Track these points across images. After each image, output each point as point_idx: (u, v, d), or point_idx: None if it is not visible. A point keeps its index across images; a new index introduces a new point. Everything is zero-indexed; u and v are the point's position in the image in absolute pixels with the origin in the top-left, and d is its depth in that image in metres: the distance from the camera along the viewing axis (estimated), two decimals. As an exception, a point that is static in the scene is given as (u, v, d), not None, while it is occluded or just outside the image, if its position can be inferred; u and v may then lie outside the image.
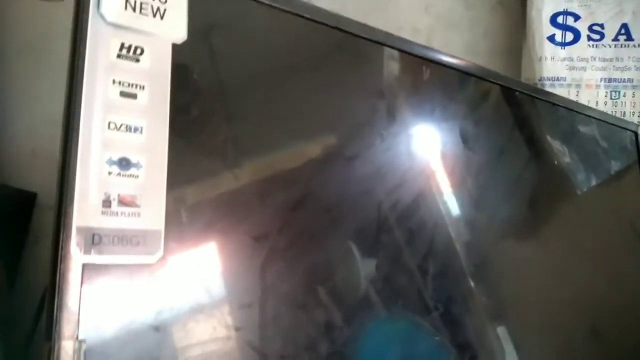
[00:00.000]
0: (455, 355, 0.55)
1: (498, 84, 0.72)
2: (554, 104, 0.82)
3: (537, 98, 0.79)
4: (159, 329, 0.36)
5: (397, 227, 0.53)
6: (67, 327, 0.32)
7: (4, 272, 1.09)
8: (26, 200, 1.13)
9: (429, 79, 0.63)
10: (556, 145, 0.83)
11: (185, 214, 0.38)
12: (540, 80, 1.04)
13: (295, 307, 0.44)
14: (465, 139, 0.64)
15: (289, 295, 0.43)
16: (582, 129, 0.88)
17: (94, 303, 0.34)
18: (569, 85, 1.04)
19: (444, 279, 0.57)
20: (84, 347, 0.33)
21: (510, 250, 0.70)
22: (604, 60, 1.04)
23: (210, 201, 0.41)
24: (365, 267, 0.49)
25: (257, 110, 0.46)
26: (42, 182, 1.09)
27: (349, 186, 0.50)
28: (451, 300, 0.56)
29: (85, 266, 0.34)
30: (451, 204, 0.61)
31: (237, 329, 0.39)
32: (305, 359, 0.43)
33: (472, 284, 0.60)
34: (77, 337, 0.32)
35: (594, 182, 0.87)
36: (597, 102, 1.03)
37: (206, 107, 0.42)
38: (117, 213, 0.35)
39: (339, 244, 0.48)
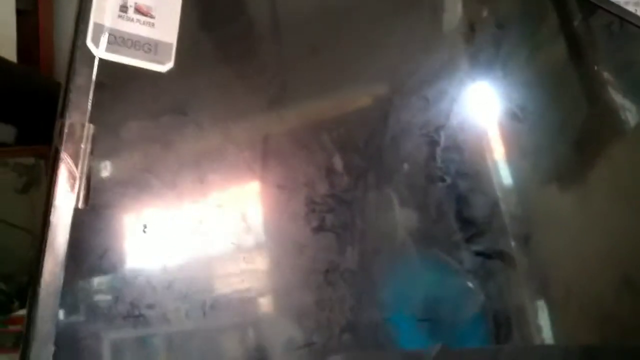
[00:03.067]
0: (487, 303, 0.55)
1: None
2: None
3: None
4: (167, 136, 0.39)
5: (440, 177, 0.53)
6: (76, 112, 0.35)
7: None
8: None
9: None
10: (608, 77, 0.79)
11: (198, 32, 0.40)
12: None
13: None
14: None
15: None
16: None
17: (104, 99, 0.36)
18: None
19: (483, 227, 0.57)
20: (92, 130, 0.35)
21: (552, 198, 0.68)
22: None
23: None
24: (405, 218, 0.50)
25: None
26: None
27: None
28: (487, 248, 0.56)
29: (100, 62, 0.36)
30: (496, 150, 0.59)
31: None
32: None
33: (510, 233, 0.59)
34: (87, 121, 0.35)
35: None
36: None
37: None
38: (132, 19, 0.38)
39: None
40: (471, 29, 0.61)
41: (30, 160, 1.17)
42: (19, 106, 1.18)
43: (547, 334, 0.62)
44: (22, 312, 0.62)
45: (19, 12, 1.17)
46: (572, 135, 0.72)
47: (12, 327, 0.55)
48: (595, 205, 0.73)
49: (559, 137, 0.70)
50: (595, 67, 0.77)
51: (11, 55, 1.15)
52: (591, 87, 0.77)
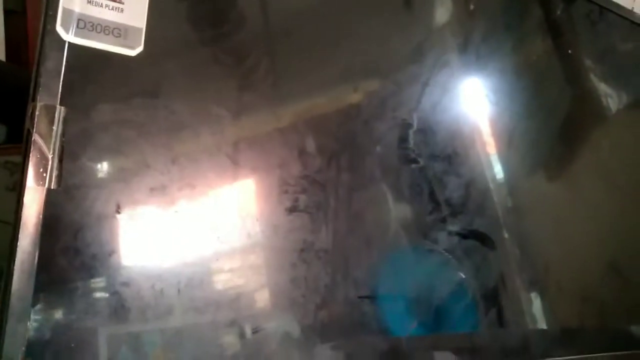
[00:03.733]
0: (463, 283, 0.56)
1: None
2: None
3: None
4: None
5: (413, 159, 0.54)
6: (47, 95, 0.36)
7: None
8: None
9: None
10: (589, 64, 0.81)
11: (166, 17, 0.41)
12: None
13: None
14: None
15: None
16: (624, 44, 0.84)
17: (75, 82, 0.37)
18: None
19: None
20: (63, 113, 0.36)
21: (527, 179, 0.70)
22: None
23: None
24: (379, 199, 0.51)
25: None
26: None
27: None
28: (462, 228, 0.57)
29: (70, 46, 0.37)
30: (469, 132, 0.61)
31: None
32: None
33: (485, 214, 0.60)
34: (58, 103, 0.36)
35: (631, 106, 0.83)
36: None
37: None
38: (102, 5, 0.39)
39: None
40: (445, 13, 0.63)
41: (21, 159, 1.17)
42: (9, 105, 1.18)
43: (526, 316, 0.64)
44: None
45: (7, 13, 1.17)
46: (549, 118, 0.74)
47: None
48: (573, 187, 0.74)
49: (534, 119, 0.71)
50: (574, 54, 0.78)
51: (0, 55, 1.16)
52: (571, 73, 0.78)
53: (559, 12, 0.77)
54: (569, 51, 0.77)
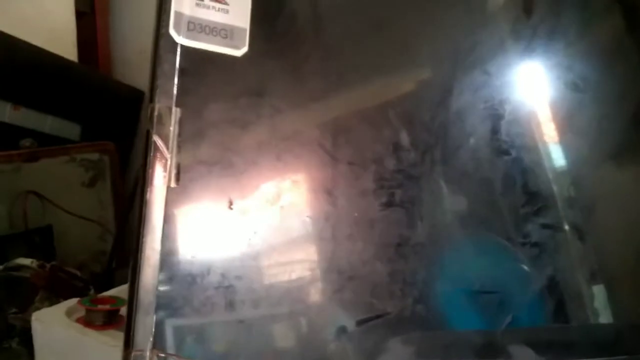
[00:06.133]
0: (556, 276, 0.55)
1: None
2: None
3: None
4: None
5: (505, 150, 0.53)
6: (164, 97, 0.38)
7: (118, 153, 1.22)
8: (135, 97, 1.25)
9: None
10: None
11: (268, 16, 0.42)
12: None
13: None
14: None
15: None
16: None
17: (187, 83, 0.39)
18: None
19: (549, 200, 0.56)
20: (178, 114, 0.38)
21: (617, 171, 0.67)
22: None
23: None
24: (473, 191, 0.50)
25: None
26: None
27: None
28: (554, 220, 0.56)
29: (182, 48, 0.38)
30: (560, 121, 0.59)
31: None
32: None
33: (576, 206, 0.58)
34: (174, 105, 0.38)
35: None
36: None
37: None
38: (209, 7, 0.40)
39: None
40: (529, 1, 0.61)
41: (95, 156, 1.23)
42: (82, 104, 1.24)
43: (619, 309, 0.62)
44: (108, 293, 0.66)
45: (78, 15, 1.23)
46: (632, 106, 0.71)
47: (100, 307, 0.59)
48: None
49: (620, 108, 0.69)
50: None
51: (72, 55, 1.21)
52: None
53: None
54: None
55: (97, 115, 1.23)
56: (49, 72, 1.13)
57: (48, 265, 0.86)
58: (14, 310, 0.82)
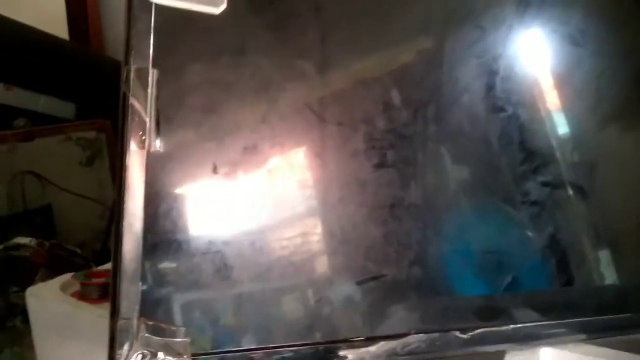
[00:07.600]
0: (556, 235, 0.54)
1: None
2: None
3: None
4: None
5: (501, 107, 0.51)
6: (139, 58, 0.36)
7: (115, 131, 1.21)
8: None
9: None
10: None
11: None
12: None
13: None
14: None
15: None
16: None
17: (164, 44, 0.37)
18: None
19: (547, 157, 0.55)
20: (155, 75, 0.36)
21: (617, 129, 0.65)
22: None
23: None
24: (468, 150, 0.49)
25: None
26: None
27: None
28: (554, 178, 0.54)
29: (156, 7, 0.37)
30: (558, 77, 0.56)
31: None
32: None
33: (575, 163, 0.57)
34: (151, 66, 0.36)
35: None
36: None
37: None
38: (184, -37, 0.38)
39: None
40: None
41: (92, 134, 1.22)
42: (75, 82, 1.22)
43: (622, 269, 0.60)
44: (103, 267, 0.66)
45: (67, -10, 1.20)
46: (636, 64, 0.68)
47: (95, 280, 0.59)
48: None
49: (622, 64, 0.66)
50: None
51: (62, 33, 1.19)
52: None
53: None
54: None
55: (91, 93, 1.21)
56: (40, 50, 1.11)
57: (47, 244, 0.86)
58: (15, 289, 0.82)
